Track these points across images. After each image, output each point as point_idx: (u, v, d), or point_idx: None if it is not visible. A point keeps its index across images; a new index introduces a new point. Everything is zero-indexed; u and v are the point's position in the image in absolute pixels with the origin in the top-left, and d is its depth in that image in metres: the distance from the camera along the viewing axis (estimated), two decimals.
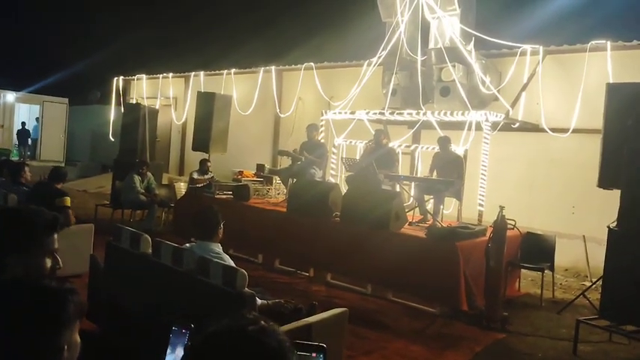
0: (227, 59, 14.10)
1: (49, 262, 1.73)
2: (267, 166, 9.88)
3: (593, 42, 7.87)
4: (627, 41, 7.88)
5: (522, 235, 6.24)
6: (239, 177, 10.22)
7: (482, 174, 7.34)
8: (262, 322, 1.09)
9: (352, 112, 8.93)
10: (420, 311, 5.53)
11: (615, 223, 4.60)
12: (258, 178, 9.36)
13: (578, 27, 11.17)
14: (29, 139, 19.07)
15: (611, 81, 6.52)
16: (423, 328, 5.08)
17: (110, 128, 15.15)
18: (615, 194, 4.73)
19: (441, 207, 6.95)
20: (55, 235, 1.78)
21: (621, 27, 9.69)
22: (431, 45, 8.48)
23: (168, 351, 1.44)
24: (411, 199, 7.74)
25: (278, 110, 12.05)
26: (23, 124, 18.98)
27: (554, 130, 7.91)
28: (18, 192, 5.80)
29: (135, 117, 10.61)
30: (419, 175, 8.32)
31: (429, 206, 6.96)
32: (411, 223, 6.43)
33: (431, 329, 5.07)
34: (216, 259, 3.43)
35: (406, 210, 6.55)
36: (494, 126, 7.62)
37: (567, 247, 7.39)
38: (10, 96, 18.73)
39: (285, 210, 6.99)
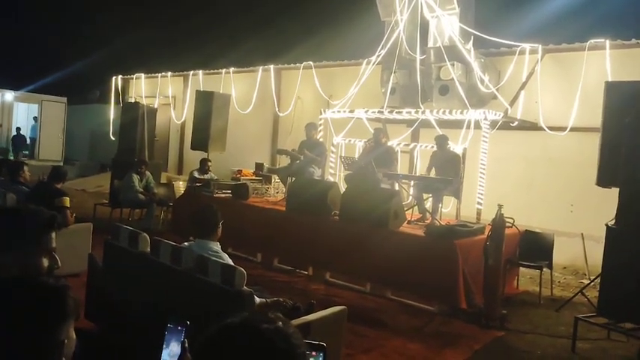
0: (226, 58, 14.11)
1: (46, 262, 1.73)
2: (266, 164, 9.87)
3: (592, 41, 7.88)
4: (626, 40, 7.89)
5: (521, 233, 6.25)
6: (238, 176, 10.20)
7: (480, 172, 7.35)
8: (280, 322, 1.08)
9: (351, 111, 8.93)
10: (419, 309, 5.53)
11: (613, 220, 4.61)
12: (257, 177, 9.35)
13: (577, 26, 11.18)
14: (26, 143, 18.64)
15: (609, 79, 6.53)
16: (421, 326, 5.08)
17: (110, 127, 15.14)
18: (613, 192, 4.73)
19: (440, 205, 6.97)
20: (53, 235, 1.78)
21: (620, 26, 9.69)
22: (430, 44, 8.48)
23: (164, 347, 1.45)
24: (410, 197, 7.74)
25: (277, 109, 12.05)
26: (18, 129, 18.38)
27: (552, 128, 7.92)
28: (17, 191, 5.79)
29: (134, 116, 10.60)
30: (418, 174, 8.33)
31: (428, 205, 6.97)
32: (409, 222, 6.44)
33: (430, 327, 5.07)
34: (214, 258, 3.44)
35: (405, 208, 6.55)
36: (493, 124, 7.63)
37: (566, 245, 7.41)
38: (9, 95, 18.69)
39: (284, 209, 7.00)
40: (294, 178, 7.78)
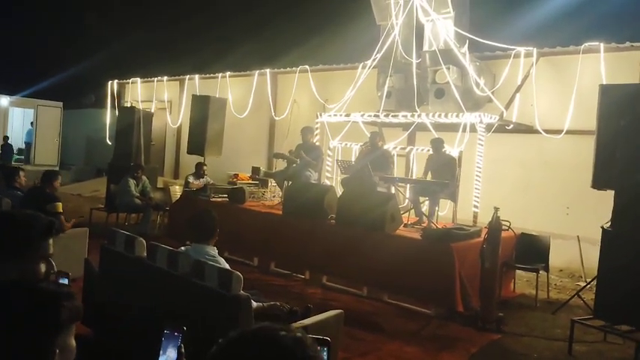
0: (222, 62, 14.10)
1: (43, 267, 1.74)
2: (263, 168, 9.87)
3: (586, 44, 7.92)
4: (620, 43, 7.94)
5: (517, 236, 6.26)
6: (234, 180, 10.21)
7: (477, 175, 7.37)
8: (299, 333, 1.06)
9: (347, 115, 8.94)
10: (416, 313, 5.53)
11: (609, 223, 4.63)
12: (253, 181, 9.34)
13: (572, 29, 11.22)
14: (13, 153, 18.25)
15: (604, 82, 6.55)
16: (418, 329, 5.08)
17: (107, 131, 15.11)
18: (609, 195, 4.75)
19: (436, 208, 6.98)
20: (51, 240, 1.79)
21: (614, 29, 9.75)
22: (425, 47, 8.51)
23: (160, 352, 1.45)
24: (407, 200, 7.76)
25: (273, 113, 12.06)
26: (6, 138, 17.91)
27: (548, 131, 7.95)
28: (12, 196, 5.77)
29: (130, 120, 10.58)
30: (414, 177, 8.34)
31: (425, 208, 6.98)
32: (406, 225, 6.44)
33: (426, 330, 5.07)
34: (211, 262, 3.43)
35: (401, 212, 6.56)
36: (489, 128, 7.66)
37: (562, 248, 7.43)
38: (4, 100, 18.64)
39: (280, 212, 6.99)
40: (290, 182, 7.78)
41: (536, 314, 5.82)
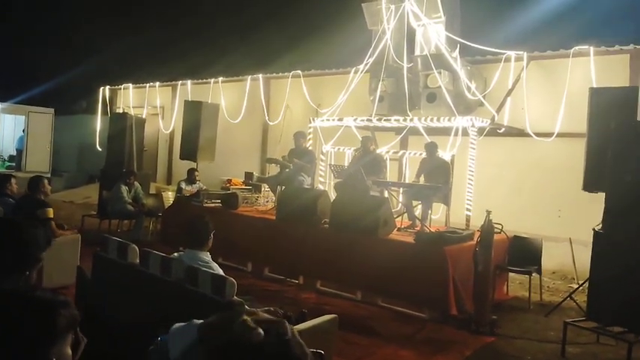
0: (214, 68, 14.09)
1: (35, 274, 1.77)
2: (256, 173, 9.87)
3: (576, 47, 7.98)
4: (609, 46, 8.01)
5: (510, 238, 6.29)
6: (227, 185, 10.20)
7: (469, 179, 7.40)
8: (295, 334, 1.12)
9: (340, 119, 8.97)
10: (410, 316, 5.54)
11: (600, 225, 4.66)
12: (246, 186, 9.34)
13: (562, 33, 11.31)
14: (8, 157, 18.10)
15: (594, 85, 6.61)
16: (412, 333, 5.09)
17: (97, 138, 15.04)
18: (600, 197, 4.79)
19: (429, 212, 7.00)
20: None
21: (603, 33, 9.83)
22: (417, 52, 8.56)
23: None
24: (400, 204, 7.77)
25: (266, 118, 12.07)
26: None
27: (539, 134, 8.00)
28: (4, 204, 5.74)
29: (122, 126, 10.55)
30: (407, 181, 8.36)
31: (418, 212, 7.00)
32: (399, 229, 6.46)
33: (420, 334, 5.08)
34: (204, 268, 3.42)
35: (395, 216, 6.58)
36: (481, 131, 7.69)
37: (554, 250, 7.46)
38: None
39: (274, 218, 6.99)
40: (283, 187, 7.78)
41: (529, 317, 5.85)
